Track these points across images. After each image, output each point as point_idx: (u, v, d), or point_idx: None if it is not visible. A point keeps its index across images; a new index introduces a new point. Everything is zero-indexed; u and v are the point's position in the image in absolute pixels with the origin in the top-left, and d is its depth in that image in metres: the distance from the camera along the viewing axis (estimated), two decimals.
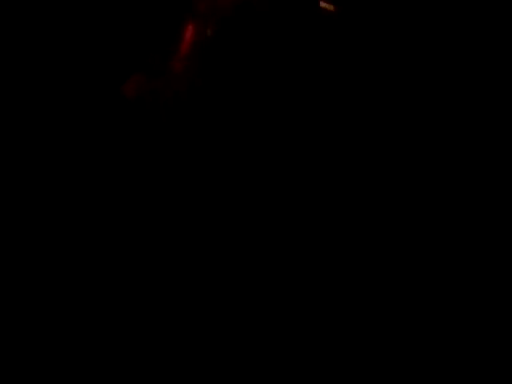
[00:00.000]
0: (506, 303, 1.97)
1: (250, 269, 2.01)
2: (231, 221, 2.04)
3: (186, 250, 2.01)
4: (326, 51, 2.15)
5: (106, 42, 2.10)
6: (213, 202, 2.04)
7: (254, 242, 2.03)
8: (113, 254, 1.98)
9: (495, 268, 2.00)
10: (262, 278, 2.01)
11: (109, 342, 1.91)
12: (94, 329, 1.92)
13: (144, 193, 2.04)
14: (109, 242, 1.99)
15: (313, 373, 1.94)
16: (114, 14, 2.11)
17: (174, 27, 2.13)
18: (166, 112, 2.08)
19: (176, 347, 1.93)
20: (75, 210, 2.00)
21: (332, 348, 1.95)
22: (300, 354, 1.94)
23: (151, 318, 1.94)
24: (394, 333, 1.97)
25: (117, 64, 2.08)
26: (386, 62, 2.14)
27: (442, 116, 2.12)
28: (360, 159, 2.10)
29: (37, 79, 2.07)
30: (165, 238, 2.01)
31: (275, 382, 1.92)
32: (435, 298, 1.99)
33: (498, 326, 1.96)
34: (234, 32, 2.11)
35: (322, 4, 2.08)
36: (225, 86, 2.11)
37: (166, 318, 1.95)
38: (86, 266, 1.96)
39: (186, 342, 1.94)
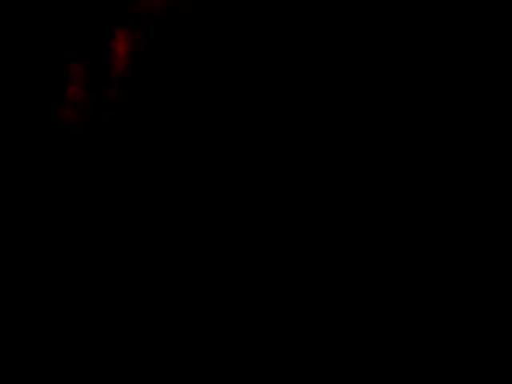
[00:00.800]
0: (506, 303, 1.97)
1: (249, 267, 1.99)
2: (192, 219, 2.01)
3: (172, 248, 2.01)
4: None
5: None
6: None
7: (249, 239, 2.02)
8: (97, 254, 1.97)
9: (495, 268, 1.99)
10: (260, 275, 1.99)
11: (109, 341, 1.91)
12: (94, 328, 1.92)
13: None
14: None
15: (313, 373, 1.92)
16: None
17: (102, 38, 1.98)
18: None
19: (176, 346, 1.91)
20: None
21: (331, 347, 1.95)
22: (300, 354, 1.93)
23: (151, 318, 1.93)
24: (393, 332, 1.96)
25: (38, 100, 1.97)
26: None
27: (440, 114, 2.08)
28: (357, 157, 2.07)
29: None
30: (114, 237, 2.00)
31: (275, 381, 1.90)
32: (435, 298, 1.99)
33: (498, 325, 1.96)
34: (172, 41, 1.95)
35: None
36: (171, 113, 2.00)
37: (166, 317, 1.94)
38: (83, 266, 1.96)
39: (185, 341, 1.92)
